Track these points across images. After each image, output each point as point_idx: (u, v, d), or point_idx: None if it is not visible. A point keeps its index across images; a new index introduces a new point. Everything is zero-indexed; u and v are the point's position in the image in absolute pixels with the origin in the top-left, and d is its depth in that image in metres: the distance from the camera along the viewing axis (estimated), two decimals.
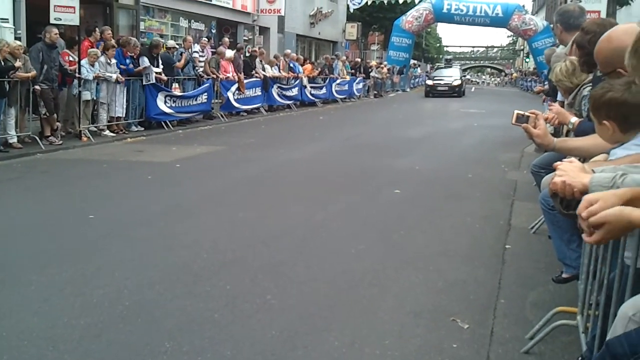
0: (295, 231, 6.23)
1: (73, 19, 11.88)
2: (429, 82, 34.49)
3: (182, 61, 15.41)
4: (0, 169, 9.46)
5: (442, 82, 33.75)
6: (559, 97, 7.24)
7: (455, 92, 32.93)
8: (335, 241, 5.90)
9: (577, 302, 3.65)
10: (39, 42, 11.68)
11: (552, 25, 37.11)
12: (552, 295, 4.53)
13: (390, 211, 7.20)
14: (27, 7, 13.44)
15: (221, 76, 17.13)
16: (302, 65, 23.35)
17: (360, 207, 7.37)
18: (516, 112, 3.72)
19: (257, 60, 20.25)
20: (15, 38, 12.46)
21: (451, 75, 34.88)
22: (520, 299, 4.48)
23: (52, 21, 11.69)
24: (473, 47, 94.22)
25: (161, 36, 17.79)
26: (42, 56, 11.33)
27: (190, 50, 16.85)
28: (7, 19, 12.90)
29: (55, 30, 11.62)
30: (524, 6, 40.13)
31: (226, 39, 20.54)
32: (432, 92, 33.03)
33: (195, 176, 9.24)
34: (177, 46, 15.83)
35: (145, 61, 13.79)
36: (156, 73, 14.07)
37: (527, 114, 3.66)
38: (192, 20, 21.39)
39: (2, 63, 10.35)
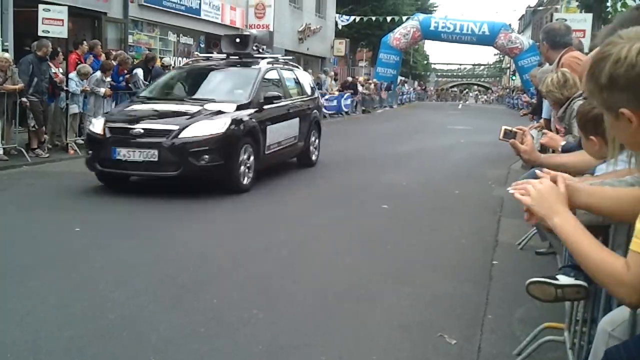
0: (283, 244, 6.21)
1: (61, 31, 11.87)
2: None
3: None
4: None
5: None
6: (544, 113, 7.29)
7: None
8: (323, 255, 5.88)
9: (565, 318, 3.66)
10: (30, 55, 11.63)
11: (537, 44, 37.52)
12: (539, 312, 4.52)
13: (378, 226, 7.19)
14: (15, 19, 13.39)
15: None
16: None
17: (347, 221, 7.37)
18: (504, 127, 3.74)
19: None
20: (3, 50, 12.39)
21: None
22: (507, 315, 4.48)
23: (40, 33, 11.67)
24: (460, 64, 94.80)
25: (149, 50, 17.76)
26: (33, 68, 11.28)
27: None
28: None
29: (49, 45, 11.59)
30: (510, 25, 40.59)
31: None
32: None
33: (182, 188, 9.18)
34: (171, 64, 15.83)
35: (140, 75, 13.79)
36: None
37: (514, 129, 3.68)
38: (181, 35, 21.42)
39: None
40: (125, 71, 13.54)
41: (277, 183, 10.01)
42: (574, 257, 1.74)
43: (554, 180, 1.86)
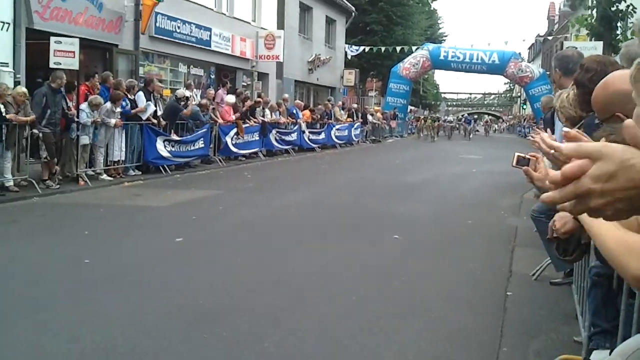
0: (294, 277, 6.14)
1: (73, 63, 11.96)
2: None
3: (189, 109, 15.46)
4: None
5: None
6: (557, 137, 7.21)
7: None
8: (335, 288, 5.81)
9: (581, 350, 3.57)
10: (43, 87, 11.74)
11: (548, 73, 37.53)
12: (555, 343, 4.44)
13: (390, 257, 7.12)
14: (27, 51, 13.56)
15: (220, 121, 17.23)
16: (302, 111, 23.54)
17: (359, 253, 7.30)
18: (517, 154, 3.69)
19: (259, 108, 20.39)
20: (15, 82, 12.51)
21: None
22: (522, 347, 4.39)
23: (52, 65, 11.77)
24: (470, 93, 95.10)
25: (160, 81, 17.89)
26: (46, 100, 11.37)
27: (195, 97, 17.14)
28: (7, 63, 12.98)
29: (64, 77, 11.70)
30: (520, 54, 40.62)
31: (227, 85, 20.80)
32: None
33: (192, 221, 9.18)
34: (188, 96, 15.97)
35: (141, 98, 13.93)
36: (154, 116, 14.17)
37: (527, 156, 3.62)
38: (191, 66, 21.57)
39: (2, 107, 10.38)
40: (131, 97, 13.64)
41: (286, 214, 9.97)
42: (599, 245, 1.64)
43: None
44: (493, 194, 12.60)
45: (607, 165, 1.10)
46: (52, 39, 12.06)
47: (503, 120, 70.80)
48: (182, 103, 15.50)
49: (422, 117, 42.93)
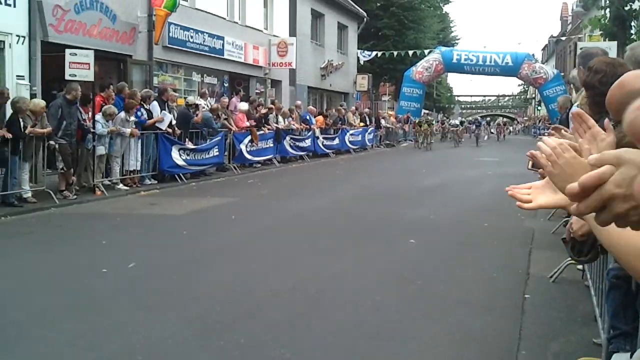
0: (310, 283, 6.14)
1: (88, 75, 12.05)
2: None
3: (199, 116, 15.55)
4: (14, 224, 9.49)
5: None
6: None
7: None
8: (352, 293, 5.80)
9: (601, 353, 3.54)
10: (59, 99, 11.85)
11: (562, 73, 37.32)
12: (574, 346, 4.41)
13: (406, 261, 7.11)
14: (42, 63, 13.69)
15: (234, 128, 17.30)
16: (315, 117, 23.59)
17: (375, 258, 7.29)
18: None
19: (272, 114, 20.47)
20: (31, 94, 12.64)
21: None
22: (541, 350, 4.36)
23: (67, 77, 11.87)
24: (484, 96, 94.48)
25: (175, 90, 17.98)
26: (62, 112, 11.48)
27: (207, 103, 17.25)
28: (23, 76, 13.12)
29: (79, 88, 11.81)
30: (533, 55, 40.45)
31: (240, 93, 20.89)
32: None
33: (208, 229, 9.22)
34: (197, 103, 16.11)
35: (156, 108, 14.04)
36: (169, 125, 14.28)
37: None
38: (205, 75, 21.67)
39: (21, 122, 10.50)
40: (139, 105, 13.74)
41: (302, 221, 9.98)
42: (601, 239, 1.62)
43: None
44: (509, 197, 12.49)
45: (629, 170, 1.11)
46: (67, 51, 12.17)
47: (518, 122, 70.38)
48: (192, 110, 15.61)
49: (416, 120, 33.45)
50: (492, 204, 11.66)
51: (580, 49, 20.40)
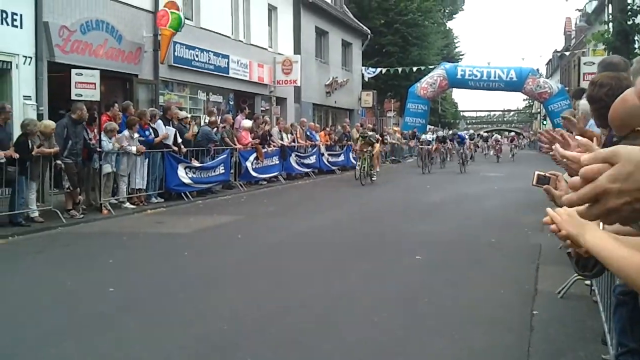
0: (316, 300, 6.13)
1: (94, 94, 12.14)
2: None
3: (191, 132, 15.54)
4: (22, 243, 9.51)
5: None
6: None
7: None
8: (358, 310, 5.79)
9: None
10: (64, 118, 11.94)
11: (567, 88, 37.34)
12: None
13: (412, 278, 7.08)
14: (49, 83, 13.79)
15: (238, 146, 17.34)
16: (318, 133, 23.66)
17: (381, 275, 7.27)
18: (537, 173, 3.66)
19: (275, 129, 20.52)
20: (38, 114, 12.73)
21: None
22: None
23: (73, 97, 11.96)
24: (489, 111, 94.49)
25: (180, 109, 18.08)
26: (67, 132, 11.56)
27: (205, 120, 17.39)
28: (30, 97, 13.20)
29: (85, 108, 11.88)
30: (538, 70, 40.49)
31: (245, 110, 20.97)
32: None
33: (215, 247, 9.22)
34: (188, 117, 16.26)
35: (161, 126, 14.12)
36: (174, 143, 14.34)
37: (547, 174, 3.60)
38: (210, 93, 21.76)
39: (30, 143, 10.56)
40: (147, 125, 13.81)
41: (308, 238, 9.97)
42: (611, 268, 1.65)
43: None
44: (516, 212, 12.49)
45: (625, 166, 1.14)
46: (73, 71, 12.27)
47: (524, 137, 70.32)
48: (185, 125, 15.62)
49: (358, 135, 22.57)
50: (498, 219, 11.65)
51: (584, 63, 20.38)
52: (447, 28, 54.31)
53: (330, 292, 6.48)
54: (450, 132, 32.64)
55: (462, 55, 57.39)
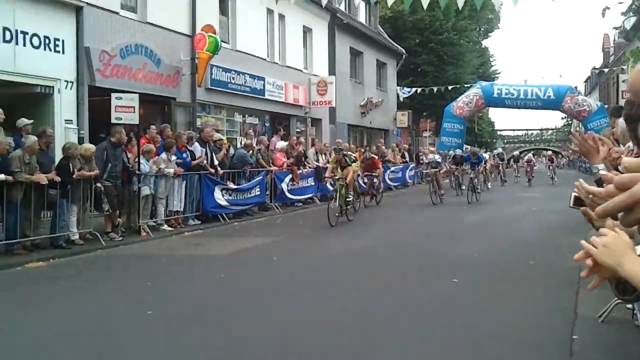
0: (351, 323, 6.10)
1: (133, 118, 12.35)
2: None
3: (222, 152, 15.70)
4: (62, 266, 9.68)
5: None
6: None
7: None
8: (394, 335, 5.74)
9: None
10: (104, 141, 12.19)
11: (606, 105, 36.72)
12: None
13: (449, 302, 7.00)
14: (89, 107, 14.11)
15: (274, 168, 17.46)
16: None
17: (417, 297, 7.21)
18: (574, 194, 3.62)
19: (311, 150, 20.61)
20: (79, 138, 13.03)
21: None
22: None
23: (113, 121, 12.19)
24: (527, 129, 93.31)
25: (217, 131, 18.31)
26: (107, 155, 11.80)
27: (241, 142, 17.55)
28: (71, 120, 13.54)
29: (123, 131, 12.13)
30: (576, 87, 39.89)
31: (280, 132, 21.15)
32: None
33: (251, 269, 9.26)
34: (222, 138, 16.44)
35: (197, 148, 14.31)
36: (211, 165, 14.51)
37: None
38: (247, 115, 22.01)
39: (71, 166, 10.79)
40: (184, 147, 14.00)
41: (344, 259, 9.95)
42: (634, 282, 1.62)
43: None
44: (554, 234, 12.28)
45: None
46: (113, 95, 12.51)
47: (563, 156, 69.29)
48: (219, 146, 15.82)
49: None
50: (537, 241, 11.48)
51: (623, 81, 20.04)
52: (483, 46, 54.02)
53: (365, 314, 6.45)
54: (469, 150, 25.27)
55: (499, 73, 56.92)
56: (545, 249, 10.54)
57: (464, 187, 22.45)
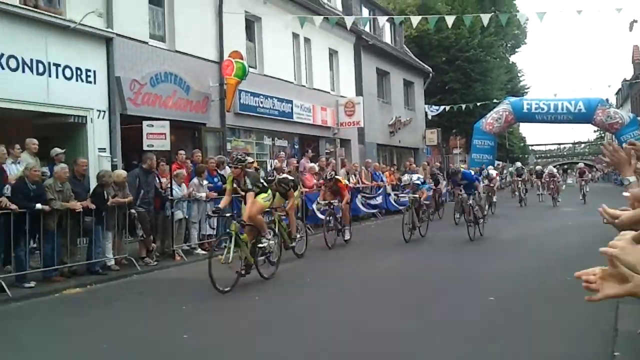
0: (384, 344, 6.06)
1: (164, 144, 12.52)
2: None
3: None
4: (99, 292, 9.80)
5: None
6: None
7: None
8: (429, 353, 5.69)
9: None
10: (136, 168, 12.38)
11: (639, 117, 36.17)
12: None
13: (486, 320, 6.93)
14: (122, 135, 14.34)
15: (304, 189, 17.50)
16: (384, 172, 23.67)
17: (453, 316, 7.14)
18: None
19: (342, 171, 20.64)
20: (112, 166, 13.24)
21: None
22: None
23: (145, 147, 12.38)
24: (559, 144, 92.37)
25: (247, 154, 18.46)
26: (139, 181, 11.97)
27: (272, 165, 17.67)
28: (105, 149, 13.77)
29: (154, 158, 12.32)
30: (607, 100, 39.39)
31: (309, 154, 21.24)
32: None
33: (285, 290, 9.27)
34: (252, 161, 16.59)
35: (228, 172, 14.45)
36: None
37: (618, 212, 3.50)
38: (276, 138, 22.14)
39: (105, 194, 10.97)
40: (215, 172, 14.13)
41: (375, 279, 9.91)
42: None
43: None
44: (592, 248, 12.00)
45: None
46: (144, 122, 12.71)
47: (597, 169, 68.31)
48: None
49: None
50: (574, 256, 11.25)
51: None
52: (510, 62, 53.74)
53: (400, 334, 6.40)
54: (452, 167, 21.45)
55: (527, 88, 56.43)
56: (582, 263, 10.34)
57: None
